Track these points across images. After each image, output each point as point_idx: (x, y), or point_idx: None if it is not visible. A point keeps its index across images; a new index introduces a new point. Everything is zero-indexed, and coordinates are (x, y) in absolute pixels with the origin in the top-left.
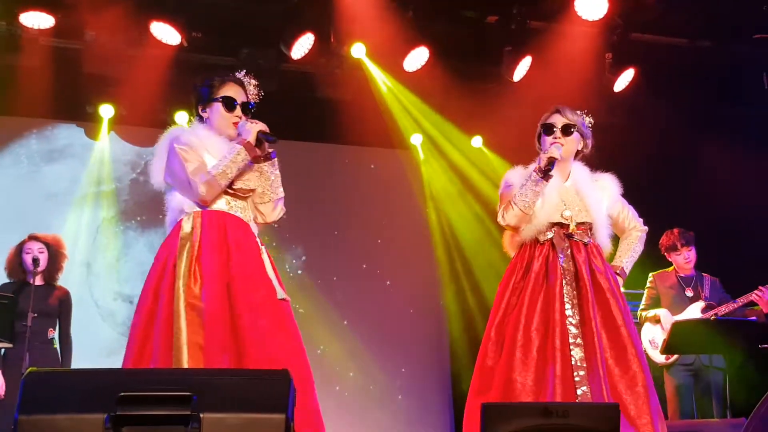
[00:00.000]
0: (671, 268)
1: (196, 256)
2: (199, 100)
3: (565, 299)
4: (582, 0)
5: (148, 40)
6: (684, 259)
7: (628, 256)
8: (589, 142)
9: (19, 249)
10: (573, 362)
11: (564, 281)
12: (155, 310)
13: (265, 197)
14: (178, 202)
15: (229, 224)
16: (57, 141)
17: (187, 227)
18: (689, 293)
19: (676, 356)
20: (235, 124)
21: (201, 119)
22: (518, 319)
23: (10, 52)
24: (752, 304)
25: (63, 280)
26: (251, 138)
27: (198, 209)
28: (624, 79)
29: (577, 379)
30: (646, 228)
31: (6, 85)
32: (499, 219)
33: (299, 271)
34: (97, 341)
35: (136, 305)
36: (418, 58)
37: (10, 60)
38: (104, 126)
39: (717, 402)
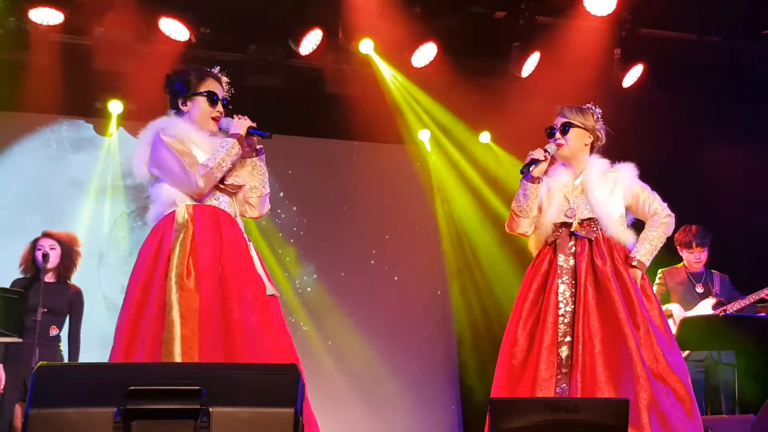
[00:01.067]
0: (681, 264)
1: (190, 250)
2: (178, 93)
3: (560, 298)
4: None
5: (157, 36)
6: (695, 258)
7: (643, 245)
8: (600, 133)
9: (33, 245)
10: (558, 360)
11: (560, 280)
12: (144, 303)
13: (257, 192)
14: (168, 194)
15: (221, 219)
16: (71, 134)
17: (180, 219)
18: (700, 289)
19: (687, 352)
20: (215, 119)
21: (178, 113)
22: (518, 319)
23: (20, 48)
24: (763, 300)
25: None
26: (242, 132)
27: (190, 202)
28: (633, 75)
29: (559, 376)
30: (671, 214)
31: (15, 81)
32: (506, 227)
33: (309, 289)
34: (97, 330)
35: (123, 299)
36: (426, 53)
37: (19, 56)
38: (113, 122)
39: (726, 398)
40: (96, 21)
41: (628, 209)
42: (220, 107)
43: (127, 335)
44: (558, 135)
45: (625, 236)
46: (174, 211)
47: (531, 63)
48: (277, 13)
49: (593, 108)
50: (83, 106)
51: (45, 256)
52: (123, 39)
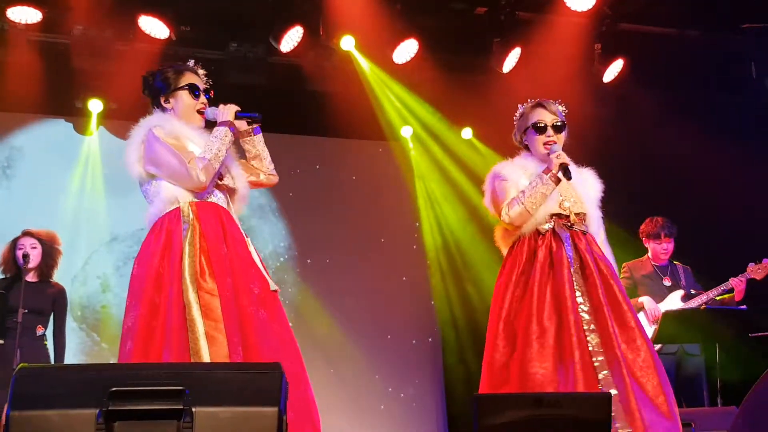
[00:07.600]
0: (645, 256)
1: (200, 247)
2: (159, 91)
3: (575, 287)
4: None
5: (137, 34)
6: (662, 249)
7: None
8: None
9: (13, 245)
10: (590, 348)
11: (572, 269)
12: (159, 302)
13: (266, 161)
14: (169, 192)
15: (223, 216)
16: (51, 133)
17: (186, 217)
18: (667, 282)
19: (659, 345)
20: (200, 112)
21: (163, 110)
22: (529, 310)
23: None
24: (728, 291)
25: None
26: (231, 118)
27: (191, 199)
28: (613, 70)
29: (596, 364)
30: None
31: None
32: (503, 216)
33: (290, 288)
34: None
35: (131, 298)
36: (407, 50)
37: None
38: (93, 120)
39: (700, 389)
40: (75, 19)
41: None
42: (203, 99)
43: (143, 334)
44: (551, 132)
45: (598, 233)
46: (178, 208)
47: (512, 58)
48: (258, 11)
49: (559, 106)
50: (63, 105)
51: (26, 256)
52: (102, 37)
